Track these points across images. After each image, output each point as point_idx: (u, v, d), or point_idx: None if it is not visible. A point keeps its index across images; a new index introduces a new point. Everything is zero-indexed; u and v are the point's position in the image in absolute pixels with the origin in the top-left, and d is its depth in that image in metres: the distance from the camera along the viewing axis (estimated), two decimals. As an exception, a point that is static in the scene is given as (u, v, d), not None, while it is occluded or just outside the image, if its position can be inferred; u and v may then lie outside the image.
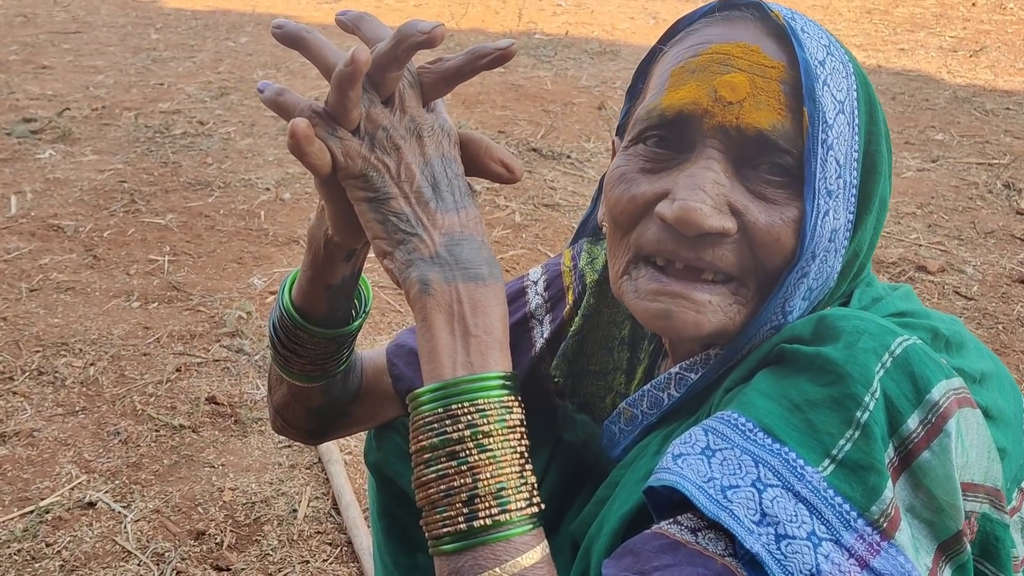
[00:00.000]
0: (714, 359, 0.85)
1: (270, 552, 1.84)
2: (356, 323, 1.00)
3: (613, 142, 0.97)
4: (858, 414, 0.68)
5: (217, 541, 1.86)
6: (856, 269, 0.85)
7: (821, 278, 0.81)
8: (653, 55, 0.91)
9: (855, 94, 0.82)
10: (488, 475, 0.68)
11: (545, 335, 1.10)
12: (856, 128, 0.81)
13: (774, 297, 0.79)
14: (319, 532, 1.91)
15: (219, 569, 1.79)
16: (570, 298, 1.08)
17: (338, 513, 1.96)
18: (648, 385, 0.90)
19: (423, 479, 0.70)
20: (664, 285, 0.80)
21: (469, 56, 0.76)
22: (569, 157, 4.29)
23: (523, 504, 0.69)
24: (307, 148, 0.72)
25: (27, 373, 2.39)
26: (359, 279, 0.98)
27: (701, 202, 0.77)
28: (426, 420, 0.71)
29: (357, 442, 2.19)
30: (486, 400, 0.70)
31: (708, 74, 0.80)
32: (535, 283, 1.13)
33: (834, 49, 0.82)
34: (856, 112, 0.82)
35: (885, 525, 0.67)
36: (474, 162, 0.79)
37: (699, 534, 0.68)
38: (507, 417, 0.70)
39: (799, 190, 0.79)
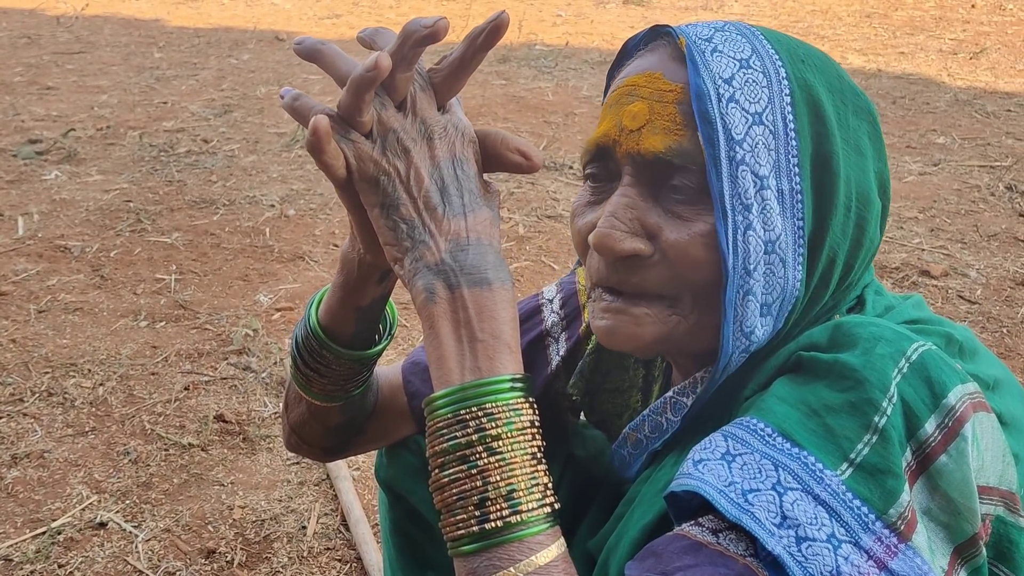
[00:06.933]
0: (700, 383, 0.85)
1: (280, 569, 1.84)
2: (381, 346, 1.01)
3: None
4: (876, 419, 0.69)
5: (228, 559, 1.86)
6: (841, 272, 0.83)
7: (775, 291, 0.79)
8: (606, 92, 0.95)
9: (787, 99, 0.80)
10: (498, 478, 0.70)
11: (561, 353, 1.11)
12: (792, 134, 0.79)
13: (725, 324, 0.79)
14: (329, 548, 1.91)
15: (231, 587, 1.79)
16: (585, 316, 1.09)
17: (347, 529, 1.95)
18: (647, 410, 0.91)
19: (438, 483, 0.72)
20: (609, 304, 0.84)
21: (467, 42, 0.76)
22: (571, 168, 4.30)
23: (535, 505, 0.70)
24: (325, 146, 0.73)
25: (37, 394, 2.40)
26: (387, 302, 0.98)
27: (612, 227, 0.80)
28: (438, 426, 0.72)
29: (365, 458, 2.19)
30: (494, 404, 0.71)
31: (619, 106, 0.84)
32: (550, 301, 1.14)
33: (755, 60, 0.80)
34: (789, 118, 0.79)
35: (902, 528, 0.68)
36: (493, 156, 0.80)
37: (720, 535, 0.69)
38: (516, 419, 0.71)
39: (711, 204, 0.79)
